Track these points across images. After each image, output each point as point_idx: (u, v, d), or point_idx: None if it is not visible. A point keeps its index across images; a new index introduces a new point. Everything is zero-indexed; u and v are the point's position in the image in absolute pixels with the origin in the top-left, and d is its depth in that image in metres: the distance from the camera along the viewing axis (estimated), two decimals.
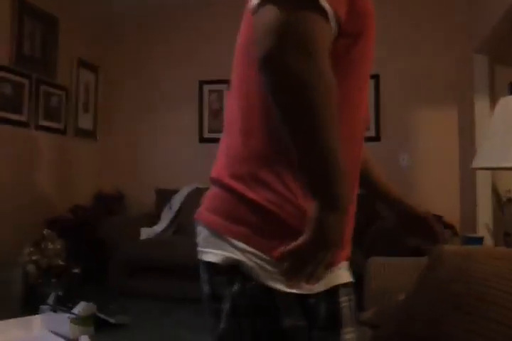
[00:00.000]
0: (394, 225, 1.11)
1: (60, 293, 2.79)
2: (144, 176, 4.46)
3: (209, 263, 0.81)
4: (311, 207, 0.70)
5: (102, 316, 2.65)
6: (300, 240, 0.69)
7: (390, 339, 1.11)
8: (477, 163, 2.06)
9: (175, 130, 4.48)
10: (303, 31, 0.64)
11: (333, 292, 0.77)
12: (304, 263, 0.70)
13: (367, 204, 1.14)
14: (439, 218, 3.45)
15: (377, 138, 3.98)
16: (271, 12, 0.66)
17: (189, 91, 4.45)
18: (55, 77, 3.94)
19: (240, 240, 0.76)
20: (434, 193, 3.80)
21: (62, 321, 2.43)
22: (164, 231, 3.85)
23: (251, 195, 0.76)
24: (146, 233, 3.75)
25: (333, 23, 0.69)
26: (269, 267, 0.74)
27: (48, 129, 3.84)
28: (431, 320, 1.01)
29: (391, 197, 1.07)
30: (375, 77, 3.95)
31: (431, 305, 1.03)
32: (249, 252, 0.75)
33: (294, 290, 0.73)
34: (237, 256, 0.76)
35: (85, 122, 4.37)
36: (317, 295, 0.75)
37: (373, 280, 1.68)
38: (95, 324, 2.54)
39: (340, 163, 0.68)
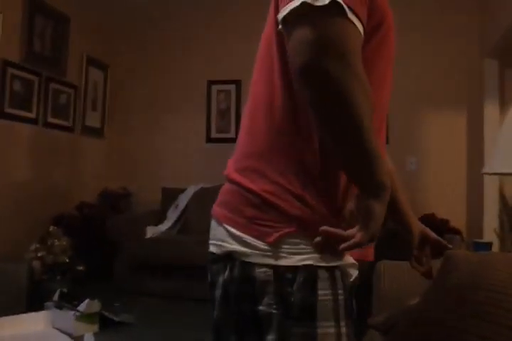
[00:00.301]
0: (406, 246, 1.12)
1: (65, 290, 2.78)
2: (151, 175, 4.46)
3: (210, 253, 0.86)
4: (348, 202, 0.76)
5: (107, 314, 2.64)
6: (358, 238, 0.71)
7: None
8: (488, 168, 2.05)
9: (182, 129, 4.49)
10: (337, 40, 0.68)
11: (312, 282, 0.76)
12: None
13: None
14: (445, 222, 3.43)
15: (385, 141, 3.96)
16: (302, 29, 0.69)
17: (197, 91, 4.45)
18: (65, 75, 3.95)
19: (236, 228, 0.80)
20: (441, 197, 3.79)
21: (67, 318, 2.43)
22: (170, 229, 3.85)
23: (251, 186, 0.80)
24: (151, 231, 3.75)
25: (360, 27, 0.72)
26: (260, 253, 0.78)
27: (55, 127, 3.85)
28: (447, 325, 1.00)
29: (407, 218, 1.08)
30: None
31: (447, 311, 1.02)
32: (243, 240, 0.79)
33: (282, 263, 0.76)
34: (232, 244, 0.80)
35: (93, 120, 4.37)
36: (295, 283, 0.76)
37: (382, 283, 1.67)
38: (100, 322, 2.54)
39: (381, 158, 0.72)
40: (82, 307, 2.53)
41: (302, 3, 0.69)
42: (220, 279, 0.82)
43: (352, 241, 0.71)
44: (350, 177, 0.76)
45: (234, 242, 0.80)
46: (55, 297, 2.69)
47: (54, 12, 3.77)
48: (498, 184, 3.39)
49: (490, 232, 3.32)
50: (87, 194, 4.16)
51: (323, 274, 0.77)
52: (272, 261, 0.77)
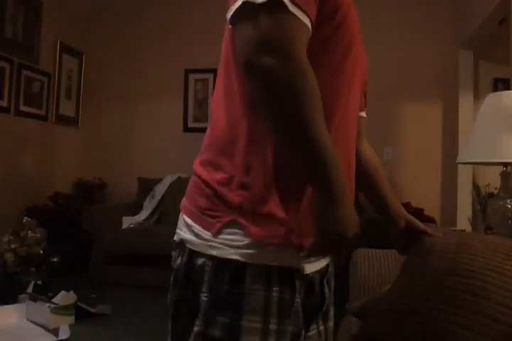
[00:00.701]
0: (393, 240, 1.15)
1: (40, 282, 2.74)
2: (127, 164, 4.40)
3: (173, 241, 0.90)
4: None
5: (83, 306, 2.62)
6: (309, 247, 0.76)
7: (381, 327, 1.11)
8: (462, 157, 2.08)
9: (159, 119, 4.43)
10: (278, 35, 0.70)
11: (240, 276, 0.77)
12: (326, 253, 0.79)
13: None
14: (420, 211, 3.49)
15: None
16: (247, 26, 0.71)
17: (175, 80, 4.39)
18: (37, 62, 3.84)
19: (190, 218, 0.84)
20: (416, 187, 3.85)
21: (42, 310, 2.40)
22: (146, 220, 3.82)
23: (206, 177, 0.83)
24: (127, 222, 3.71)
25: (304, 19, 0.73)
26: (204, 243, 0.80)
27: (28, 115, 3.75)
28: (423, 312, 1.00)
29: (392, 211, 1.11)
30: None
31: (424, 299, 1.01)
32: (193, 230, 0.82)
33: (234, 256, 0.78)
34: (186, 232, 0.84)
35: (67, 109, 4.28)
36: (226, 275, 0.78)
37: (359, 271, 1.69)
38: (75, 314, 2.51)
39: (333, 157, 0.72)
40: (57, 299, 2.50)
41: (244, 3, 0.71)
42: (175, 265, 0.86)
43: (305, 252, 0.77)
44: (303, 176, 0.78)
45: (187, 231, 0.84)
46: (29, 289, 2.65)
47: None
48: (472, 173, 3.46)
49: (463, 221, 3.39)
50: (61, 184, 4.08)
51: (254, 269, 0.77)
52: (210, 252, 0.79)
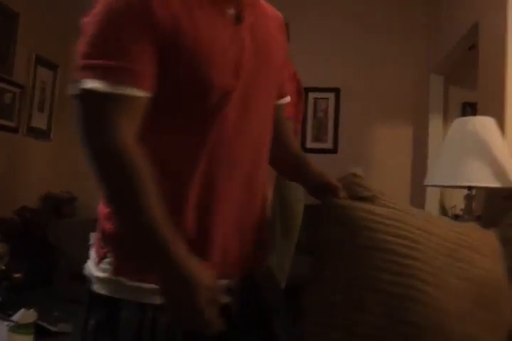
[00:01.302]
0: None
1: (0, 299, 2.65)
2: None
3: None
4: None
5: (43, 324, 2.53)
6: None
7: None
8: (429, 180, 2.12)
9: None
10: (96, 125, 0.76)
11: (116, 305, 0.82)
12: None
13: (312, 217, 1.09)
14: None
15: (334, 151, 4.04)
16: (77, 112, 0.78)
17: None
18: (11, 74, 3.79)
19: (93, 247, 0.92)
20: None
21: (0, 329, 2.31)
22: None
23: (100, 211, 0.90)
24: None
25: (137, 93, 0.76)
26: (95, 272, 0.87)
27: None
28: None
29: (312, 169, 1.08)
30: (336, 90, 4.02)
31: (396, 320, 0.88)
32: (90, 259, 0.91)
33: (102, 292, 0.85)
34: (89, 261, 0.92)
35: (39, 122, 4.21)
36: (104, 305, 0.83)
37: None
38: (36, 332, 2.43)
39: (165, 238, 0.74)
40: (16, 317, 2.42)
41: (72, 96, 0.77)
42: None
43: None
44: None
45: (88, 260, 0.92)
46: None
47: (2, 7, 3.62)
48: (439, 195, 3.52)
49: None
50: (29, 198, 3.99)
51: (126, 303, 0.82)
52: (92, 285, 0.88)
